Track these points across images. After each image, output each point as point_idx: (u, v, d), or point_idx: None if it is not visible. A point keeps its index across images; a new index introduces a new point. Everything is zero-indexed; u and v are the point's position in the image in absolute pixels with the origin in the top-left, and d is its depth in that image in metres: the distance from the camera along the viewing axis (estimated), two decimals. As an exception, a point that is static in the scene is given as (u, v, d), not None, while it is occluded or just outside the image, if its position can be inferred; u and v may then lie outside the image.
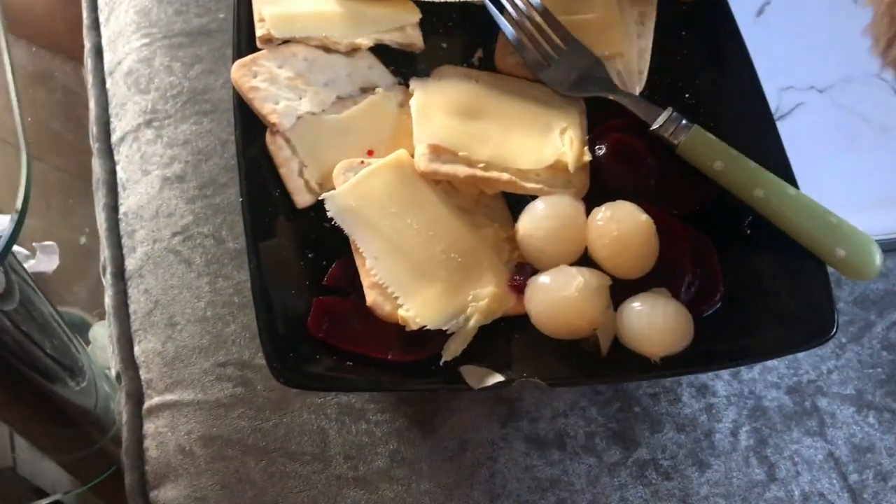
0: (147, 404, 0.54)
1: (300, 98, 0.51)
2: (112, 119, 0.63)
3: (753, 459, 0.52)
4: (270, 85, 0.50)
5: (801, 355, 0.56)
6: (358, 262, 0.47)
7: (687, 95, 0.58)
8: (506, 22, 0.55)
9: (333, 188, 0.48)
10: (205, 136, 0.59)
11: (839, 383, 0.56)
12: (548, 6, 0.56)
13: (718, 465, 0.52)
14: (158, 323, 0.55)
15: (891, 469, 0.53)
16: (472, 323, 0.46)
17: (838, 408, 0.55)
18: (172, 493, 0.51)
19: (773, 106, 0.62)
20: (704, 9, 0.59)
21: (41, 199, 1.08)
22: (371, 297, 0.46)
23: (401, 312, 0.46)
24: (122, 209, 0.60)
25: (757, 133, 0.55)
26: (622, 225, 0.48)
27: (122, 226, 0.59)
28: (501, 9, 0.56)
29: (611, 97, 0.54)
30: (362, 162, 0.49)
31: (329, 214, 0.47)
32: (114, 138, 0.62)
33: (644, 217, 0.48)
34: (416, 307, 0.46)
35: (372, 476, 0.50)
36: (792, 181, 0.52)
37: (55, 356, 0.66)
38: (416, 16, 0.55)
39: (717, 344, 0.48)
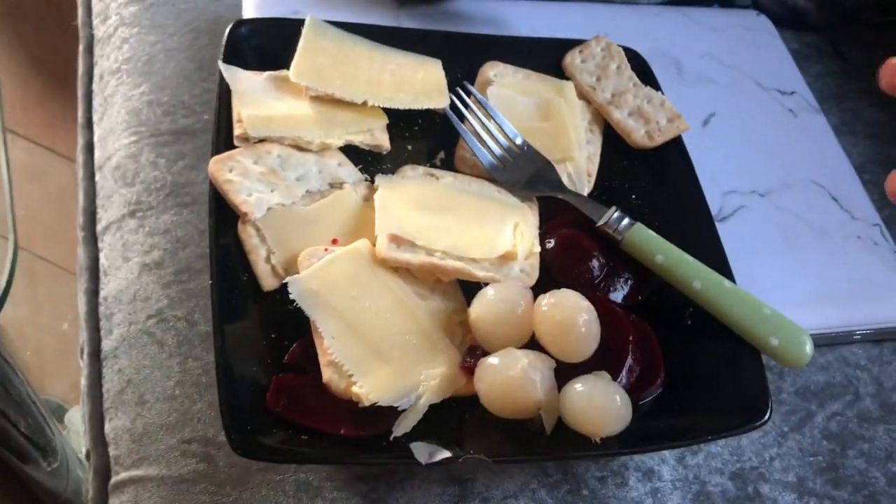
0: (113, 480, 0.56)
1: (272, 191, 0.54)
2: (98, 210, 0.67)
3: (698, 543, 0.54)
4: (244, 178, 0.54)
5: (743, 442, 0.58)
6: (316, 341, 0.50)
7: (633, 196, 0.62)
8: (465, 128, 0.60)
9: (298, 273, 0.52)
10: (184, 226, 0.62)
11: (781, 470, 0.58)
12: (506, 114, 0.61)
13: (663, 547, 0.54)
14: (129, 401, 0.57)
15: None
16: (422, 401, 0.49)
17: (780, 494, 0.57)
18: (132, 567, 0.52)
19: (716, 208, 0.67)
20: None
21: (28, 287, 1.11)
22: (327, 374, 0.49)
23: (354, 389, 0.48)
24: (102, 293, 0.63)
25: (697, 231, 0.59)
26: (565, 311, 0.51)
27: (102, 309, 0.62)
28: (461, 117, 0.62)
29: (560, 196, 0.58)
30: (326, 249, 0.53)
31: (292, 297, 0.50)
32: (99, 227, 0.66)
33: (585, 303, 0.51)
34: (370, 385, 0.49)
35: (326, 552, 0.51)
36: (729, 275, 0.56)
37: (29, 435, 0.67)
38: (384, 120, 0.60)
39: (656, 426, 0.51)
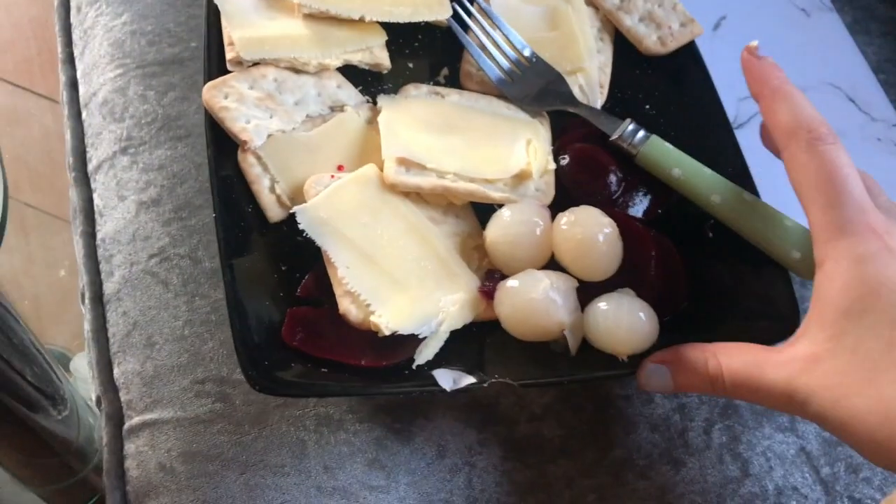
0: (127, 425, 0.54)
1: (270, 117, 0.52)
2: (88, 149, 0.64)
3: (727, 456, 0.53)
4: (241, 105, 0.51)
5: (769, 353, 0.57)
6: (330, 272, 0.48)
7: (647, 107, 0.60)
8: (470, 41, 0.57)
9: (304, 202, 0.49)
10: (179, 161, 0.60)
11: (808, 380, 0.57)
12: (511, 25, 0.58)
13: (693, 462, 0.53)
14: (137, 344, 0.55)
15: (861, 461, 0.54)
16: (443, 327, 0.47)
17: (808, 403, 0.56)
18: (154, 511, 0.52)
19: (732, 115, 0.64)
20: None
21: (20, 236, 1.09)
22: (343, 305, 0.47)
23: (373, 319, 0.47)
24: (99, 235, 0.60)
25: (715, 141, 0.57)
26: (586, 228, 0.49)
27: (100, 251, 0.60)
28: (466, 28, 0.58)
29: (571, 110, 0.56)
30: (332, 176, 0.51)
31: (300, 227, 0.48)
32: (90, 167, 0.63)
33: (607, 220, 0.49)
34: (388, 313, 0.47)
35: (351, 485, 0.50)
36: (751, 187, 0.54)
37: (36, 384, 0.66)
38: (383, 37, 0.57)
39: (682, 341, 0.50)
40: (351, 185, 0.50)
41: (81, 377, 0.84)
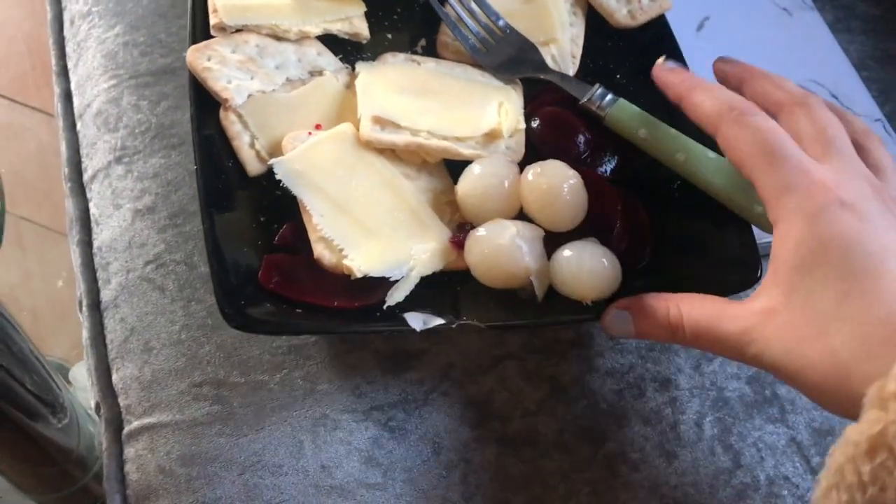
0: (126, 429, 0.55)
1: (251, 78, 0.54)
2: (83, 159, 0.65)
3: (719, 448, 0.54)
4: (223, 66, 0.53)
5: (758, 346, 0.58)
6: (305, 220, 0.50)
7: (618, 76, 0.62)
8: (446, 12, 0.59)
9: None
10: (173, 168, 0.61)
11: (797, 371, 0.58)
12: None
13: (685, 455, 0.54)
14: (135, 349, 0.56)
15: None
16: (414, 272, 0.49)
17: (797, 395, 0.57)
18: (154, 513, 0.52)
19: (717, 112, 0.65)
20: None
21: (17, 249, 1.09)
22: (318, 250, 0.49)
23: (346, 262, 0.49)
24: (95, 244, 0.61)
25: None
26: (552, 179, 0.51)
27: (97, 260, 0.61)
28: (443, 1, 0.60)
29: (542, 76, 0.58)
30: (310, 133, 0.53)
31: (278, 177, 0.50)
32: (85, 177, 0.64)
33: (572, 171, 0.51)
34: (361, 257, 0.49)
35: (349, 483, 0.51)
36: (716, 148, 0.55)
37: (36, 392, 0.67)
38: (362, 8, 0.59)
39: (647, 290, 0.51)
40: (327, 142, 0.52)
41: (80, 386, 0.85)
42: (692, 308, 0.45)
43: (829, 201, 0.41)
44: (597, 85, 0.56)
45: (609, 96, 0.56)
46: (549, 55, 0.60)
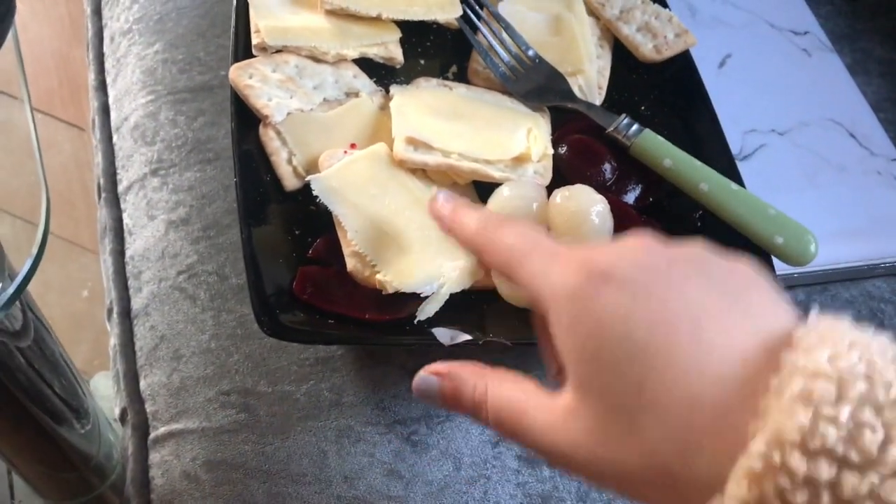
0: (153, 435, 0.56)
1: (291, 97, 0.56)
2: (119, 171, 0.67)
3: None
4: (264, 84, 0.55)
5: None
6: (340, 235, 0.52)
7: (643, 108, 0.64)
8: (478, 40, 0.61)
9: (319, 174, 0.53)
10: (208, 182, 0.62)
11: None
12: (518, 29, 0.62)
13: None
14: (164, 357, 0.57)
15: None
16: (444, 289, 0.50)
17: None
18: (177, 518, 0.53)
19: (737, 147, 0.67)
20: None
21: (43, 259, 1.11)
22: (351, 263, 0.51)
23: (378, 277, 0.50)
24: (128, 253, 0.63)
25: (706, 138, 0.61)
26: (579, 203, 0.52)
27: (129, 268, 0.62)
28: (474, 28, 0.62)
29: (570, 105, 0.60)
30: (345, 152, 0.54)
31: (314, 193, 0.52)
32: (120, 188, 0.66)
33: (599, 197, 0.53)
34: (392, 273, 0.50)
35: (370, 495, 0.52)
36: (737, 178, 0.57)
37: (63, 396, 0.68)
38: (397, 34, 0.61)
39: None
40: (362, 160, 0.54)
41: (101, 395, 0.86)
42: (501, 388, 0.37)
43: (588, 273, 0.33)
44: (623, 115, 0.58)
45: (635, 126, 0.57)
46: (576, 86, 0.62)
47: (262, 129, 0.55)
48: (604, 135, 0.58)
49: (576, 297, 0.33)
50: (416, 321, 0.50)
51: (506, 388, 0.37)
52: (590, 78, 0.62)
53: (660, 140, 0.57)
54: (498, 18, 0.63)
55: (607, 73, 0.64)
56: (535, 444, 0.35)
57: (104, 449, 0.75)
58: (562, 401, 0.34)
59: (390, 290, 0.50)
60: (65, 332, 1.10)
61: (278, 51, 0.58)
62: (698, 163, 0.56)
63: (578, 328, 0.33)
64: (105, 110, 0.71)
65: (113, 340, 0.61)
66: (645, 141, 0.57)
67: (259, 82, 0.55)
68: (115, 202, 0.65)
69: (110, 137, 0.69)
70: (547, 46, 0.63)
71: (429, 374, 0.41)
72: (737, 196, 0.54)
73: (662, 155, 0.56)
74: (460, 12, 0.62)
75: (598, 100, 0.62)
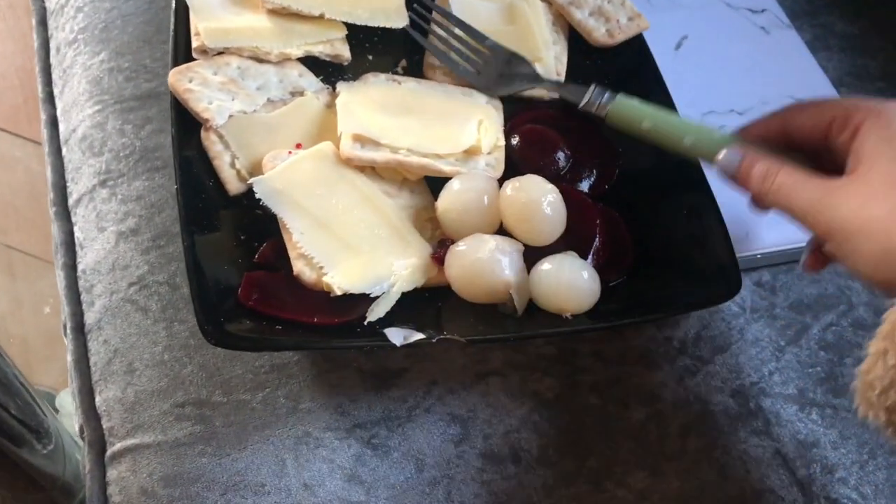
0: (109, 451, 0.55)
1: (232, 99, 0.55)
2: (68, 183, 0.65)
3: (704, 461, 0.54)
4: (204, 88, 0.54)
5: (741, 359, 0.58)
6: (285, 238, 0.51)
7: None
8: (432, 43, 0.60)
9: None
10: (157, 191, 0.61)
11: (781, 384, 0.58)
12: (470, 22, 0.61)
13: (670, 468, 0.54)
14: (118, 371, 0.56)
15: (836, 462, 0.55)
16: (395, 288, 0.50)
17: (781, 407, 0.57)
18: (136, 536, 0.52)
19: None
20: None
21: (7, 278, 1.10)
22: (297, 267, 0.50)
23: (325, 279, 0.49)
24: (80, 267, 0.61)
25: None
26: (530, 193, 0.52)
27: (81, 282, 0.61)
28: (424, 32, 0.61)
29: (538, 87, 0.59)
30: (290, 153, 0.53)
31: (258, 196, 0.51)
32: (70, 201, 0.64)
33: (550, 186, 0.52)
34: (341, 274, 0.49)
35: (331, 501, 0.51)
36: (696, 162, 0.55)
37: (21, 418, 0.66)
38: (343, 31, 0.60)
39: (628, 304, 0.53)
40: (307, 160, 0.53)
41: (67, 413, 0.85)
42: (789, 174, 0.46)
43: None
44: (592, 85, 0.56)
45: (607, 94, 0.55)
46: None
47: (203, 134, 0.54)
48: (577, 111, 0.56)
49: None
50: (366, 322, 0.49)
51: (794, 174, 0.46)
52: (548, 64, 0.62)
53: (634, 103, 0.54)
54: (447, 16, 0.61)
55: (565, 59, 0.64)
56: (807, 210, 0.44)
57: (70, 468, 0.74)
58: (842, 178, 0.43)
59: (338, 293, 0.49)
60: (37, 349, 1.10)
61: (220, 53, 0.57)
62: (677, 118, 0.54)
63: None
64: (54, 123, 0.69)
65: (69, 356, 0.60)
66: (620, 106, 0.54)
67: (199, 86, 0.54)
68: (65, 215, 0.64)
69: (59, 150, 0.67)
70: (502, 36, 0.62)
71: (735, 150, 0.49)
72: (722, 143, 0.51)
73: (640, 117, 0.54)
74: (406, 21, 0.61)
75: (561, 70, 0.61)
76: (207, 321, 0.46)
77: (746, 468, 0.54)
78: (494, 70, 0.60)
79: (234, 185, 0.53)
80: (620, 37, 0.64)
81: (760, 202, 0.49)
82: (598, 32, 0.64)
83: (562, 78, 0.62)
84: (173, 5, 0.57)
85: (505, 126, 0.58)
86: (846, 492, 0.54)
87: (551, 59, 0.62)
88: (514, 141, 0.57)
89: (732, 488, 0.53)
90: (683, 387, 0.57)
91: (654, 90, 0.61)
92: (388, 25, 0.60)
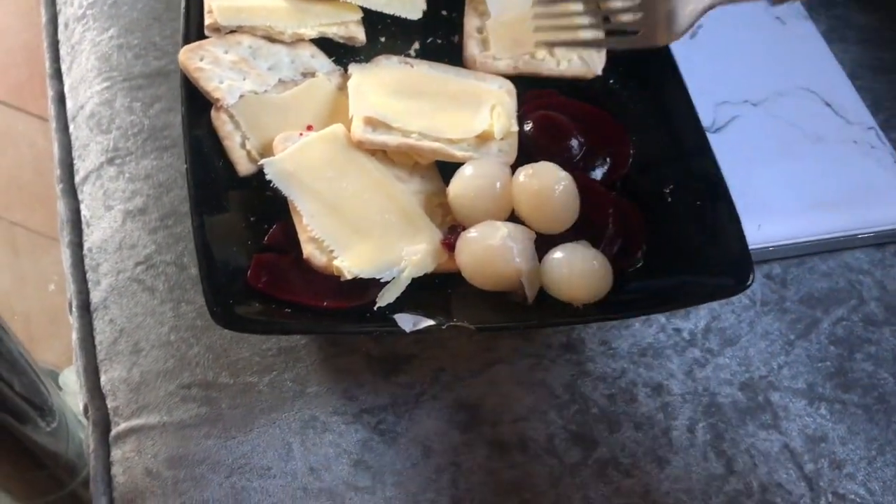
0: (114, 431, 0.54)
1: (244, 79, 0.54)
2: (75, 161, 0.65)
3: (711, 454, 0.54)
4: (215, 67, 0.54)
5: (751, 352, 0.58)
6: (295, 220, 0.50)
7: (611, 81, 0.61)
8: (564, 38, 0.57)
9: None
10: (165, 170, 0.60)
11: (790, 378, 0.57)
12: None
13: (677, 460, 0.53)
14: (123, 351, 0.56)
15: (844, 457, 0.55)
16: (405, 274, 0.49)
17: (790, 401, 0.56)
18: (140, 516, 0.52)
19: (709, 120, 0.65)
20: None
21: (11, 255, 1.09)
22: (307, 250, 0.49)
23: (335, 263, 0.48)
24: (86, 245, 0.61)
25: (674, 109, 0.59)
26: (543, 180, 0.51)
27: (87, 261, 0.60)
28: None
29: None
30: (301, 134, 0.53)
31: (268, 177, 0.50)
32: (77, 178, 0.64)
33: (563, 173, 0.51)
34: (351, 258, 0.49)
35: (337, 486, 0.51)
36: (708, 151, 0.55)
37: (25, 395, 0.66)
38: (358, 13, 0.59)
39: (640, 295, 0.52)
40: (318, 142, 0.52)
41: (70, 391, 0.84)
42: None
43: None
44: None
45: None
46: (575, 54, 0.60)
47: (213, 113, 0.53)
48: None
49: None
50: (376, 308, 0.48)
51: None
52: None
53: None
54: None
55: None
56: None
57: (73, 446, 0.74)
58: None
59: (348, 277, 0.48)
60: (40, 326, 1.09)
61: (232, 31, 0.56)
62: None
63: None
64: (61, 99, 0.69)
65: (74, 335, 0.60)
66: None
67: (210, 64, 0.53)
68: (72, 193, 0.64)
69: (66, 127, 0.67)
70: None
71: None
72: None
73: None
74: (421, 13, 0.60)
75: (599, 65, 0.60)
76: (216, 303, 0.46)
77: (754, 462, 0.54)
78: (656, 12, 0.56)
79: (244, 166, 0.52)
80: None
81: None
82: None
83: (602, 55, 0.61)
84: (187, -20, 0.57)
85: (518, 111, 0.57)
86: (854, 487, 0.54)
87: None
88: (527, 127, 0.56)
89: (739, 482, 0.53)
90: (692, 378, 0.56)
91: (669, 78, 0.60)
92: (403, 15, 0.60)
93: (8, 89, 1.32)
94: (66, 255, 0.62)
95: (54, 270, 1.08)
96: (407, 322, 0.47)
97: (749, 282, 0.51)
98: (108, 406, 0.55)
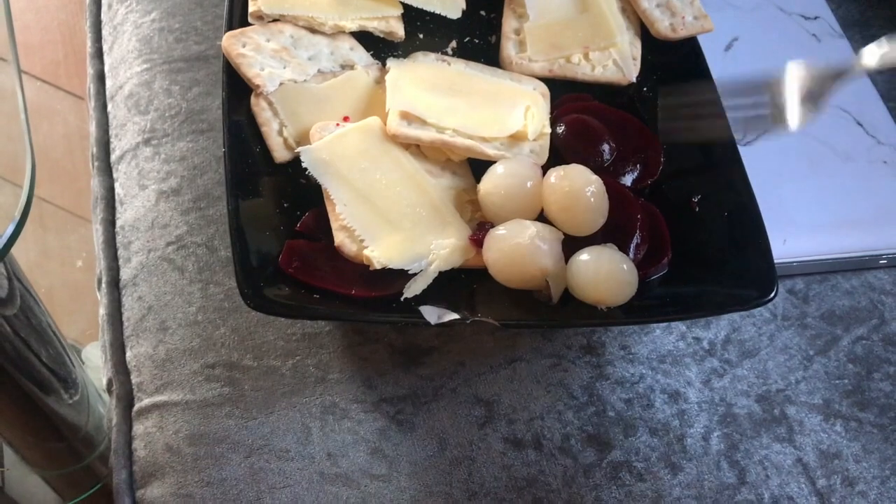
0: (137, 406, 0.55)
1: (284, 67, 0.55)
2: (112, 139, 0.66)
3: (724, 463, 0.54)
4: (257, 54, 0.55)
5: (769, 365, 0.58)
6: (328, 208, 0.51)
7: (644, 89, 0.62)
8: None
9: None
10: (200, 153, 0.61)
11: (807, 393, 0.57)
12: (542, 11, 0.61)
13: (690, 468, 0.54)
14: (150, 328, 0.57)
15: (857, 475, 0.55)
16: (433, 267, 0.50)
17: (806, 416, 0.57)
18: (158, 491, 0.52)
19: (740, 134, 0.65)
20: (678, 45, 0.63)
21: (37, 230, 1.11)
22: (339, 238, 0.50)
23: (366, 252, 0.49)
24: (118, 223, 0.62)
25: (706, 121, 0.59)
26: (574, 182, 0.51)
27: (119, 238, 0.61)
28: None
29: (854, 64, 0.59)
30: (337, 125, 0.53)
31: (304, 165, 0.51)
32: (113, 157, 0.65)
33: (594, 177, 0.52)
34: (381, 249, 0.50)
35: (353, 473, 0.51)
36: (739, 164, 0.56)
37: (51, 366, 0.67)
38: (399, 9, 0.60)
39: (664, 301, 0.52)
40: (354, 133, 0.53)
41: (92, 366, 0.86)
42: None
43: None
44: None
45: None
46: (609, 59, 0.61)
47: (253, 100, 0.54)
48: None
49: None
50: (403, 298, 0.49)
51: None
52: (623, 50, 0.62)
53: None
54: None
55: (639, 45, 0.63)
56: None
57: (93, 420, 0.75)
58: None
59: (377, 266, 0.49)
60: (63, 302, 1.11)
61: (275, 20, 0.57)
62: None
63: None
64: (101, 78, 0.70)
65: (101, 310, 0.61)
66: None
67: (252, 51, 0.54)
68: (107, 171, 0.65)
69: (105, 105, 0.68)
70: (577, 24, 0.61)
71: None
72: None
73: None
74: (460, 13, 0.61)
75: (634, 72, 0.61)
76: (247, 285, 0.47)
77: (766, 473, 0.54)
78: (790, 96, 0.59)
79: (280, 153, 0.53)
80: (683, 33, 0.63)
81: None
82: (662, 25, 0.63)
83: (637, 62, 0.62)
84: (232, -31, 0.58)
85: (551, 113, 0.58)
86: (865, 505, 0.54)
87: (626, 45, 0.62)
88: (560, 129, 0.57)
89: (750, 492, 0.53)
90: (710, 388, 0.57)
91: (703, 90, 0.61)
92: (443, 13, 0.61)
93: (44, 66, 1.34)
94: (97, 232, 0.63)
95: (78, 248, 1.10)
96: (432, 314, 0.48)
97: (772, 295, 0.51)
98: (133, 381, 0.56)
